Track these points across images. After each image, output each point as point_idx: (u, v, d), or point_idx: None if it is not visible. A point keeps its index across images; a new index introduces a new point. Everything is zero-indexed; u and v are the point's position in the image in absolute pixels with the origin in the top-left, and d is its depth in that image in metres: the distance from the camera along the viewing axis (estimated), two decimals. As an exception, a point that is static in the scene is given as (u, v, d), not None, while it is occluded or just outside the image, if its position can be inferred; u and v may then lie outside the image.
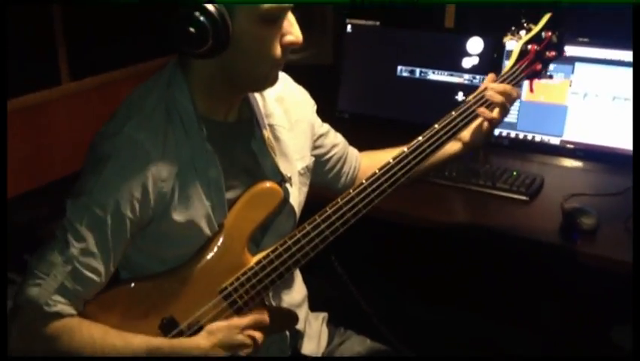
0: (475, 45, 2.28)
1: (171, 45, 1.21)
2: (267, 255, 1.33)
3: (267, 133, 1.39)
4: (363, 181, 1.35)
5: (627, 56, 2.06)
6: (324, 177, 1.60)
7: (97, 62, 2.56)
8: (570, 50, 2.09)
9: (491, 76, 1.50)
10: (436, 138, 1.40)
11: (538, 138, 2.21)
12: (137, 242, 1.29)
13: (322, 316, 1.64)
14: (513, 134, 2.24)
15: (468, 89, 2.28)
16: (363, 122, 2.42)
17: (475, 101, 1.45)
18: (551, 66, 1.54)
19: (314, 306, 1.62)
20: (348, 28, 2.44)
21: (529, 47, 1.50)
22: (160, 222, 1.26)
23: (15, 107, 2.24)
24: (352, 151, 1.66)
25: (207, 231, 1.30)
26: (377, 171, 1.36)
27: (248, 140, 1.38)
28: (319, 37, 2.45)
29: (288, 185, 1.39)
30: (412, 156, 1.38)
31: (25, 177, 2.32)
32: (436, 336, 2.37)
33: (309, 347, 1.55)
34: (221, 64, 1.22)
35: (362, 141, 1.71)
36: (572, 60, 2.13)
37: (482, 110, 1.44)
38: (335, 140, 1.61)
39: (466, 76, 2.31)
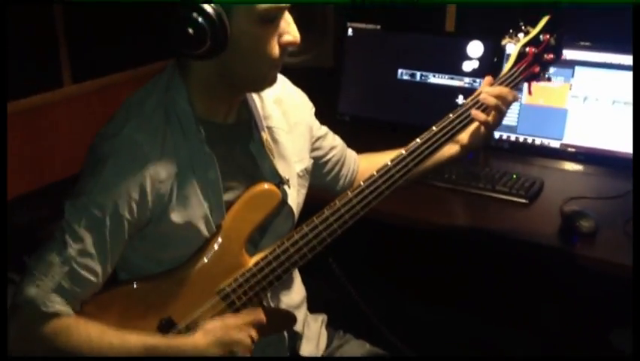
0: (475, 49, 2.28)
1: (170, 47, 1.21)
2: (265, 256, 1.34)
3: (265, 135, 1.39)
4: (361, 183, 1.36)
5: (627, 59, 2.07)
6: (322, 179, 1.60)
7: (98, 65, 2.57)
8: (570, 54, 2.10)
9: (488, 79, 1.50)
10: (433, 140, 1.40)
11: (538, 142, 2.22)
12: (136, 243, 1.30)
13: (321, 318, 1.64)
14: (513, 137, 2.24)
15: (468, 92, 2.28)
16: (364, 125, 2.43)
17: (472, 104, 1.45)
18: (551, 69, 1.54)
19: (313, 307, 1.62)
20: (349, 31, 2.45)
21: (527, 49, 1.50)
22: (158, 223, 1.27)
23: (17, 110, 2.26)
24: (351, 154, 1.67)
25: (205, 232, 1.31)
26: (375, 174, 1.37)
27: (246, 142, 1.38)
28: (320, 40, 2.46)
29: (286, 187, 1.40)
30: (409, 158, 1.38)
31: (26, 179, 2.33)
32: (436, 337, 2.37)
33: (307, 349, 1.55)
34: (219, 65, 1.23)
35: (362, 143, 1.72)
36: (572, 64, 2.13)
37: (476, 112, 1.44)
38: (333, 142, 1.61)
39: (467, 79, 2.31)
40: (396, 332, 2.00)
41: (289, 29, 1.23)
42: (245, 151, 1.38)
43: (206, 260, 1.32)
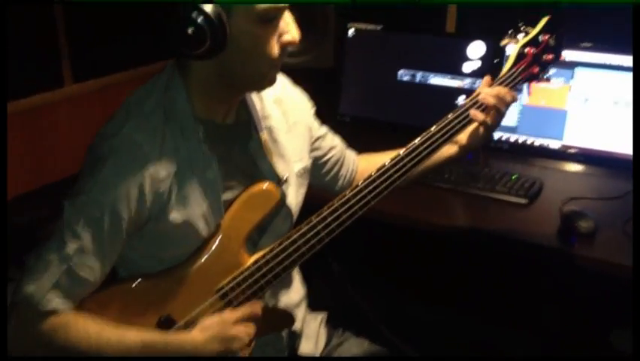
0: (475, 49, 2.28)
1: (169, 47, 1.22)
2: (264, 255, 1.34)
3: (264, 135, 1.40)
4: (359, 183, 1.36)
5: (627, 60, 2.07)
6: (321, 179, 1.61)
7: (99, 65, 2.58)
8: (570, 55, 2.10)
9: (487, 79, 1.50)
10: (432, 140, 1.41)
11: (538, 142, 2.21)
12: (135, 242, 1.30)
13: (321, 316, 1.65)
14: (513, 138, 2.24)
15: (469, 93, 2.25)
16: (364, 126, 2.43)
17: (471, 104, 1.45)
18: (551, 70, 1.54)
19: (313, 306, 1.63)
20: (350, 32, 2.45)
21: (527, 50, 1.50)
22: (157, 222, 1.27)
23: (18, 109, 2.26)
24: (350, 154, 1.67)
25: (204, 231, 1.31)
26: (373, 174, 1.37)
27: (245, 141, 1.38)
28: (320, 40, 2.46)
29: (285, 186, 1.40)
30: (407, 159, 1.38)
31: (26, 179, 2.33)
32: (436, 337, 2.37)
33: (306, 348, 1.56)
34: (219, 65, 1.23)
35: (363, 144, 1.72)
36: (573, 65, 2.13)
37: (474, 112, 1.44)
38: (333, 142, 1.61)
39: (467, 80, 2.31)
40: (396, 332, 2.01)
41: (289, 29, 1.24)
42: (244, 151, 1.38)
43: (205, 259, 1.33)
